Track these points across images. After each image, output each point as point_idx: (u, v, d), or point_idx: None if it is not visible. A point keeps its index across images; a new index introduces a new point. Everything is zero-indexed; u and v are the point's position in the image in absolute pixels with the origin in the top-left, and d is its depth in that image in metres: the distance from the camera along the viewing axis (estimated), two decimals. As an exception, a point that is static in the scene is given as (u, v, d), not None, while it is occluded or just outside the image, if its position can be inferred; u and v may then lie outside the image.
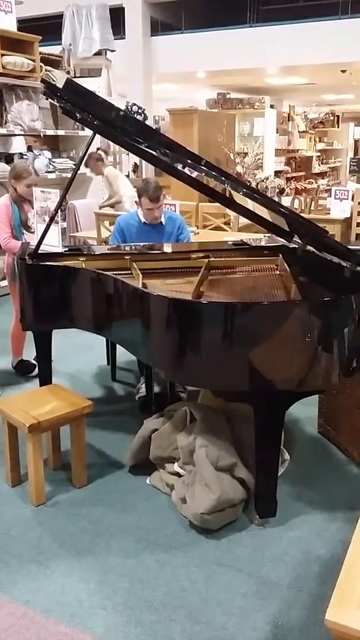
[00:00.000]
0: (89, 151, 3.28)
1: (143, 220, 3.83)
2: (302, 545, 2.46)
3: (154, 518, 2.63)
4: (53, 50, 7.50)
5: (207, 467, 2.54)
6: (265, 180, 8.16)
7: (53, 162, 6.69)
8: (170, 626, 2.06)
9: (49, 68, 6.67)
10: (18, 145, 6.22)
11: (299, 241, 3.16)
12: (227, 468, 2.58)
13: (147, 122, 7.49)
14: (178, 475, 2.75)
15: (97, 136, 3.15)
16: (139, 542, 2.48)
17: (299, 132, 12.60)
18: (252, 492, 2.60)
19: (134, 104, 7.80)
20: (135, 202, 3.93)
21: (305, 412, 3.38)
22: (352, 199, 6.75)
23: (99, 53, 7.83)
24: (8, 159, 6.15)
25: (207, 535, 2.50)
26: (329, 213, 6.78)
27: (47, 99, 2.99)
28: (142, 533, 2.53)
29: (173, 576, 2.29)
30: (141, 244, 3.76)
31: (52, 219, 3.21)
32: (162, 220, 3.87)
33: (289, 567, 2.33)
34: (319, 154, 14.00)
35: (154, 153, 2.76)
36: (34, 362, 3.99)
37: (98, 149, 6.52)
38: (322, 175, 13.92)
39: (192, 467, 2.65)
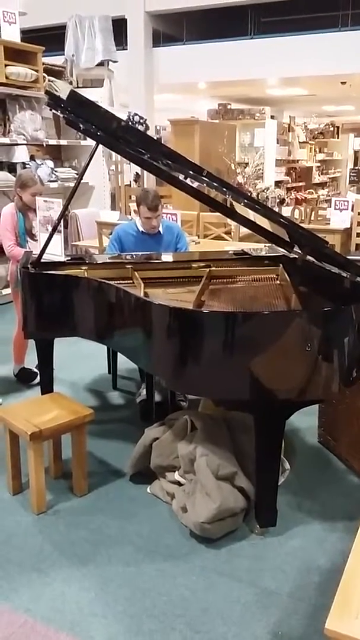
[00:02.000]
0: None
1: (141, 229, 3.85)
2: (302, 554, 2.46)
3: (155, 527, 2.64)
4: (56, 60, 7.57)
5: (208, 476, 2.54)
6: (265, 191, 8.20)
7: (55, 171, 6.73)
8: (170, 635, 2.06)
9: (51, 78, 6.73)
10: (21, 154, 6.26)
11: (299, 251, 3.18)
12: (227, 477, 2.59)
13: (148, 133, 7.54)
14: (179, 484, 2.76)
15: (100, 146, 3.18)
16: (139, 550, 2.48)
17: (299, 142, 12.68)
18: (252, 502, 2.61)
19: (136, 114, 7.85)
20: (134, 210, 3.95)
21: (305, 421, 3.38)
22: (352, 210, 6.78)
23: (101, 64, 7.90)
24: (11, 168, 6.19)
25: (207, 544, 2.51)
26: (329, 223, 6.81)
27: (50, 110, 3.01)
28: (142, 542, 2.54)
29: (173, 585, 2.29)
30: (142, 253, 3.78)
31: (54, 228, 3.23)
32: (160, 229, 3.90)
33: (289, 576, 2.34)
34: (319, 164, 14.08)
35: (156, 163, 2.78)
36: (36, 370, 4.00)
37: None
38: (322, 185, 13.99)
39: (192, 476, 2.66)
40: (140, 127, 7.21)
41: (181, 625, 2.10)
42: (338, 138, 14.65)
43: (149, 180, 8.25)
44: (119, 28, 9.06)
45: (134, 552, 2.48)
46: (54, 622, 2.11)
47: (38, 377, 3.81)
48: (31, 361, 4.03)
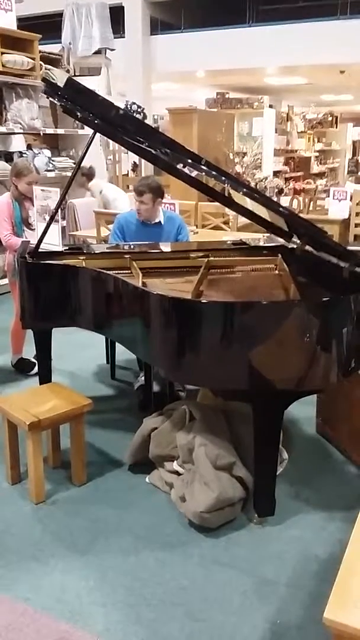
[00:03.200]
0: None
1: (141, 219, 3.84)
2: (300, 544, 2.47)
3: (153, 516, 2.64)
4: (53, 48, 7.49)
5: (206, 465, 2.55)
6: (264, 180, 8.18)
7: (52, 160, 6.69)
8: (169, 624, 2.07)
9: (48, 67, 6.67)
10: (18, 143, 6.22)
11: (298, 241, 3.17)
12: (226, 467, 2.59)
13: (146, 121, 7.49)
14: (177, 473, 2.76)
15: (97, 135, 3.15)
16: (138, 540, 2.49)
17: (297, 132, 12.63)
18: (250, 491, 2.61)
19: (134, 103, 7.81)
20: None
21: (303, 411, 3.39)
22: (351, 200, 6.77)
23: (98, 52, 7.83)
24: (7, 157, 6.14)
25: (206, 533, 2.51)
26: (327, 213, 6.80)
27: (47, 97, 2.99)
28: (141, 531, 2.54)
29: (172, 574, 2.30)
30: (141, 243, 3.76)
31: (52, 218, 3.21)
32: (161, 219, 3.88)
33: (288, 565, 2.35)
34: (317, 154, 14.03)
35: (154, 152, 2.77)
36: (34, 360, 4.00)
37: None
38: (320, 175, 13.94)
39: (191, 466, 2.66)
40: (138, 116, 7.16)
41: (180, 614, 2.11)
42: (337, 128, 14.58)
43: (147, 169, 8.22)
44: (117, 16, 8.98)
45: (133, 541, 2.48)
46: (53, 611, 2.12)
47: (36, 367, 3.81)
48: (29, 351, 4.03)
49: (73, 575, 2.30)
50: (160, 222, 3.87)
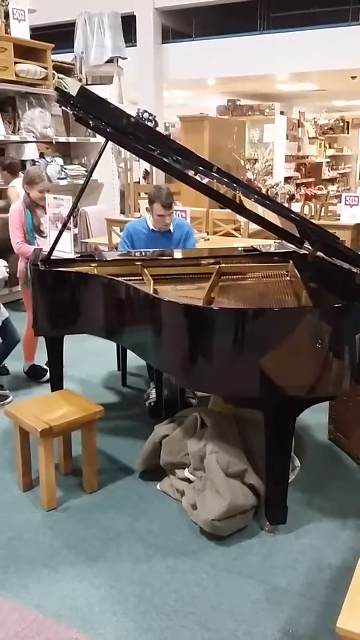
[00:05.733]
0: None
1: (152, 227, 3.83)
2: (312, 552, 2.45)
3: (165, 524, 2.63)
4: (65, 58, 7.56)
5: (218, 473, 2.54)
6: (275, 187, 8.16)
7: (65, 168, 6.73)
8: (180, 632, 2.06)
9: (61, 76, 6.72)
10: (30, 152, 6.27)
11: (310, 247, 3.16)
12: (237, 474, 2.58)
13: (157, 129, 7.52)
14: (188, 481, 2.75)
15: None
16: (149, 547, 2.48)
17: (308, 138, 12.60)
18: (262, 499, 2.60)
19: (145, 111, 7.82)
20: (146, 208, 3.93)
21: (315, 418, 3.37)
22: (363, 205, 6.73)
23: (110, 60, 7.88)
24: (20, 165, 6.19)
25: (217, 541, 2.50)
26: (339, 219, 6.77)
27: (60, 106, 3.01)
28: (152, 539, 2.54)
29: (183, 582, 2.29)
30: (152, 250, 3.77)
31: (64, 226, 3.23)
32: (171, 227, 3.87)
33: (300, 574, 2.33)
34: (328, 160, 13.99)
35: (165, 159, 2.78)
36: (46, 367, 4.01)
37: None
38: (332, 181, 13.90)
39: (202, 473, 2.65)
40: (149, 124, 7.19)
41: (191, 623, 2.10)
42: (348, 133, 14.55)
43: (158, 177, 8.24)
44: (128, 25, 9.04)
45: (144, 549, 2.48)
46: (64, 619, 2.12)
47: (48, 374, 3.83)
48: (41, 358, 4.04)
49: (84, 582, 2.29)
50: (170, 229, 3.87)
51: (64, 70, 7.10)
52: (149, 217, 3.85)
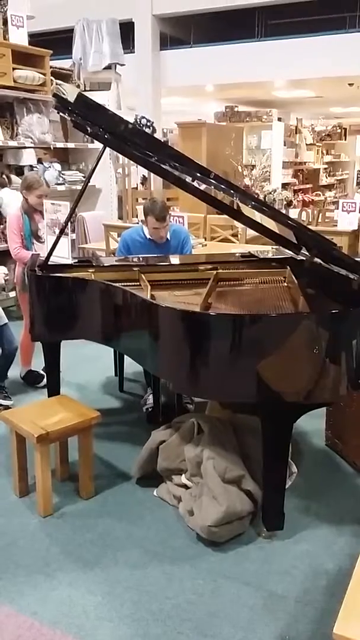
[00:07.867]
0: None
1: (148, 236, 3.84)
2: (309, 558, 2.44)
3: (161, 530, 2.63)
4: (63, 64, 7.58)
5: (215, 479, 2.53)
6: (272, 193, 8.18)
7: (63, 174, 6.74)
8: (177, 639, 2.05)
9: (59, 82, 6.74)
10: (28, 157, 6.28)
11: (307, 253, 3.17)
12: (234, 480, 2.58)
13: (155, 135, 7.55)
14: (185, 487, 2.75)
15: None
16: (146, 554, 2.48)
17: (306, 144, 12.64)
18: (259, 505, 2.60)
19: (143, 117, 7.85)
20: (141, 220, 3.92)
21: (312, 424, 3.37)
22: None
23: (108, 67, 7.90)
24: (18, 171, 6.21)
25: (214, 547, 2.50)
26: (336, 225, 6.79)
27: (58, 112, 3.02)
28: (149, 545, 2.53)
29: (180, 589, 2.28)
30: (150, 256, 3.77)
31: (62, 231, 3.24)
32: (168, 235, 3.87)
33: (297, 580, 2.32)
34: (326, 166, 14.04)
35: (163, 166, 2.78)
36: (43, 372, 4.01)
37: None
38: (329, 187, 13.95)
39: (199, 479, 2.65)
40: (147, 130, 7.22)
41: (188, 629, 2.09)
42: (345, 140, 14.60)
43: (156, 183, 8.26)
44: (127, 31, 9.07)
45: (141, 555, 2.47)
46: (60, 626, 2.11)
47: (45, 380, 3.82)
48: (38, 364, 4.04)
49: (80, 589, 2.28)
50: (167, 238, 3.86)
51: (62, 76, 7.12)
52: (145, 226, 3.85)
